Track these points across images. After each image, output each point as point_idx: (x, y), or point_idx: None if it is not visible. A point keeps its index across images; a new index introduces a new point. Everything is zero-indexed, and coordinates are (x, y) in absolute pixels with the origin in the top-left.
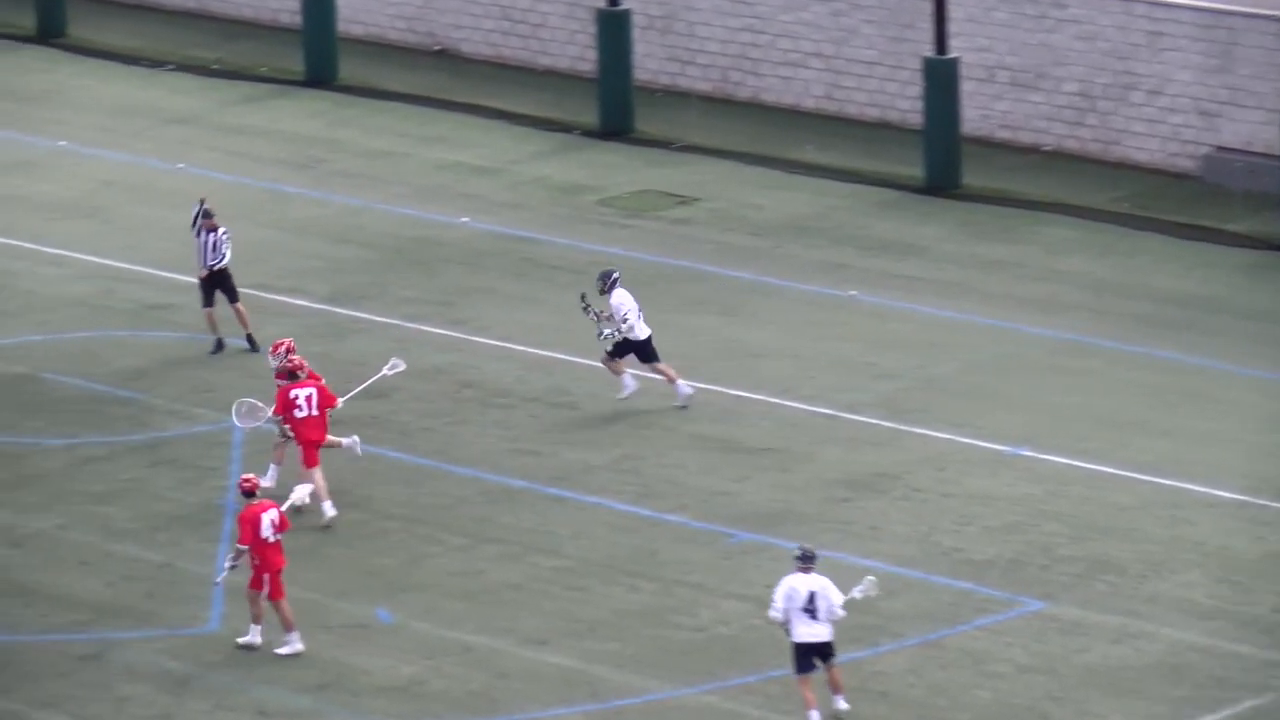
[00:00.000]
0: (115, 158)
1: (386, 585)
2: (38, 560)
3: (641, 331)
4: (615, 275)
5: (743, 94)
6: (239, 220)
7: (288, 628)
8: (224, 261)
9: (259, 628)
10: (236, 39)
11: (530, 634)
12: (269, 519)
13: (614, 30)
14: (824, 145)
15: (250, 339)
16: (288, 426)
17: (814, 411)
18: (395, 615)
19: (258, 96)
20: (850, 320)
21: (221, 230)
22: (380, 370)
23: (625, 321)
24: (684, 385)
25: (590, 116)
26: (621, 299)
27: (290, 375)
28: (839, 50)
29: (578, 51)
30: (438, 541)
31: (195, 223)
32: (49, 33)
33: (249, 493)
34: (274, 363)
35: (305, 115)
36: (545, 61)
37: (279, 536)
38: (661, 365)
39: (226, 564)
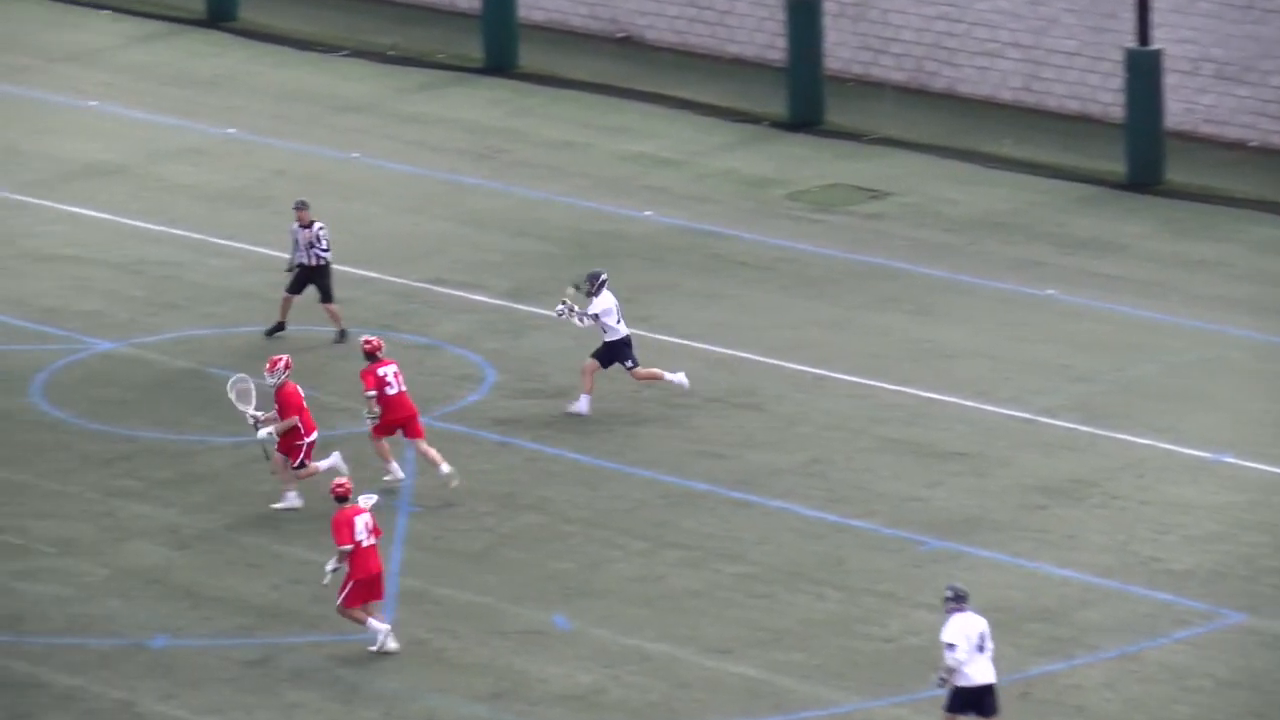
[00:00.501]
0: (286, 146)
1: (564, 590)
2: (204, 562)
3: (620, 332)
4: (603, 277)
5: (938, 85)
6: (414, 212)
7: (361, 620)
8: (322, 258)
9: (376, 622)
10: (413, 24)
11: (712, 642)
12: (363, 522)
13: (804, 18)
14: (1021, 139)
15: (342, 333)
16: (378, 407)
17: (1009, 415)
18: (573, 621)
19: (434, 84)
20: (1047, 320)
21: (318, 225)
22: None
23: (596, 319)
24: (675, 377)
25: (779, 107)
26: (606, 303)
27: (370, 357)
28: (1038, 40)
29: (766, 39)
30: (617, 546)
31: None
32: (220, 16)
33: (342, 498)
34: (271, 380)
35: (483, 104)
36: (733, 50)
37: (374, 540)
38: (642, 370)
39: (330, 567)
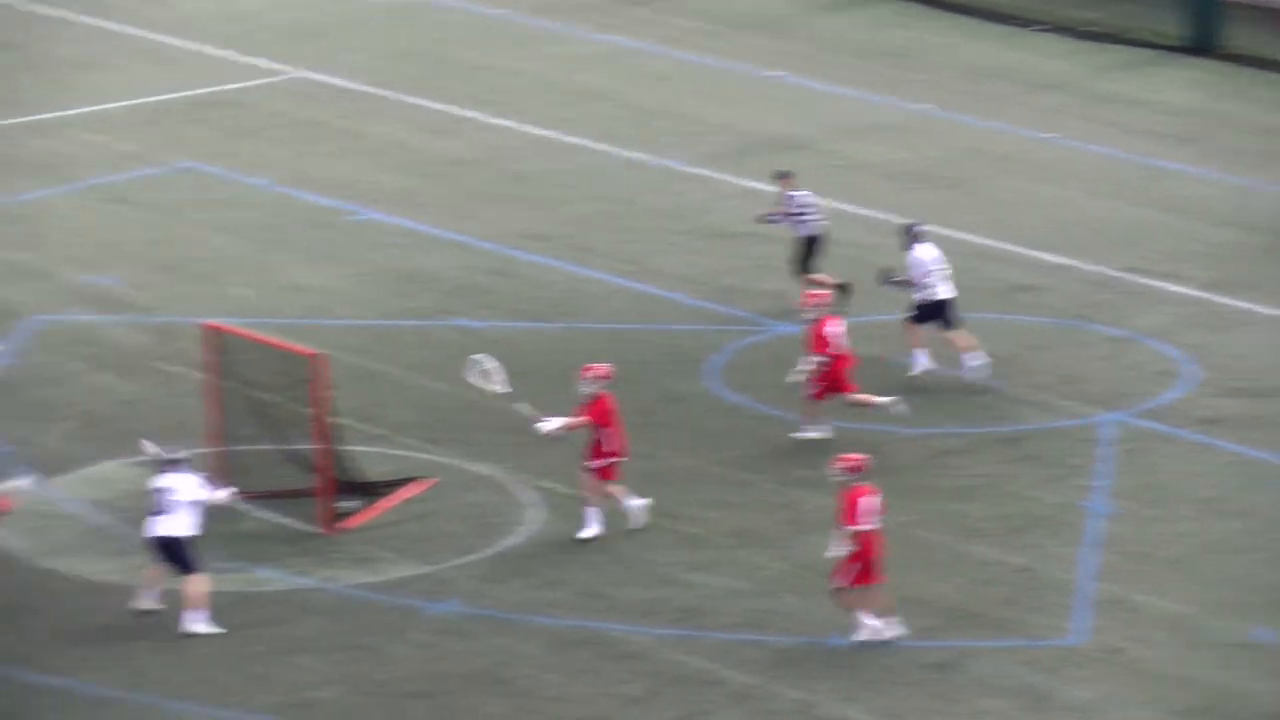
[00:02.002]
0: (979, 124)
1: (1269, 602)
2: (887, 559)
3: (944, 292)
4: (919, 228)
5: None
6: (1111, 197)
7: (861, 609)
8: (815, 227)
9: (876, 617)
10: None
11: None
12: (871, 504)
13: None
14: None
15: (842, 286)
16: (821, 362)
17: None
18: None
19: (1133, 63)
20: None
21: (803, 194)
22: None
23: (927, 278)
24: (973, 358)
25: None
26: (923, 254)
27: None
28: None
29: None
30: None
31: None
32: None
33: (855, 470)
34: (586, 389)
35: (1184, 85)
36: None
37: (878, 524)
38: (954, 334)
39: (836, 551)
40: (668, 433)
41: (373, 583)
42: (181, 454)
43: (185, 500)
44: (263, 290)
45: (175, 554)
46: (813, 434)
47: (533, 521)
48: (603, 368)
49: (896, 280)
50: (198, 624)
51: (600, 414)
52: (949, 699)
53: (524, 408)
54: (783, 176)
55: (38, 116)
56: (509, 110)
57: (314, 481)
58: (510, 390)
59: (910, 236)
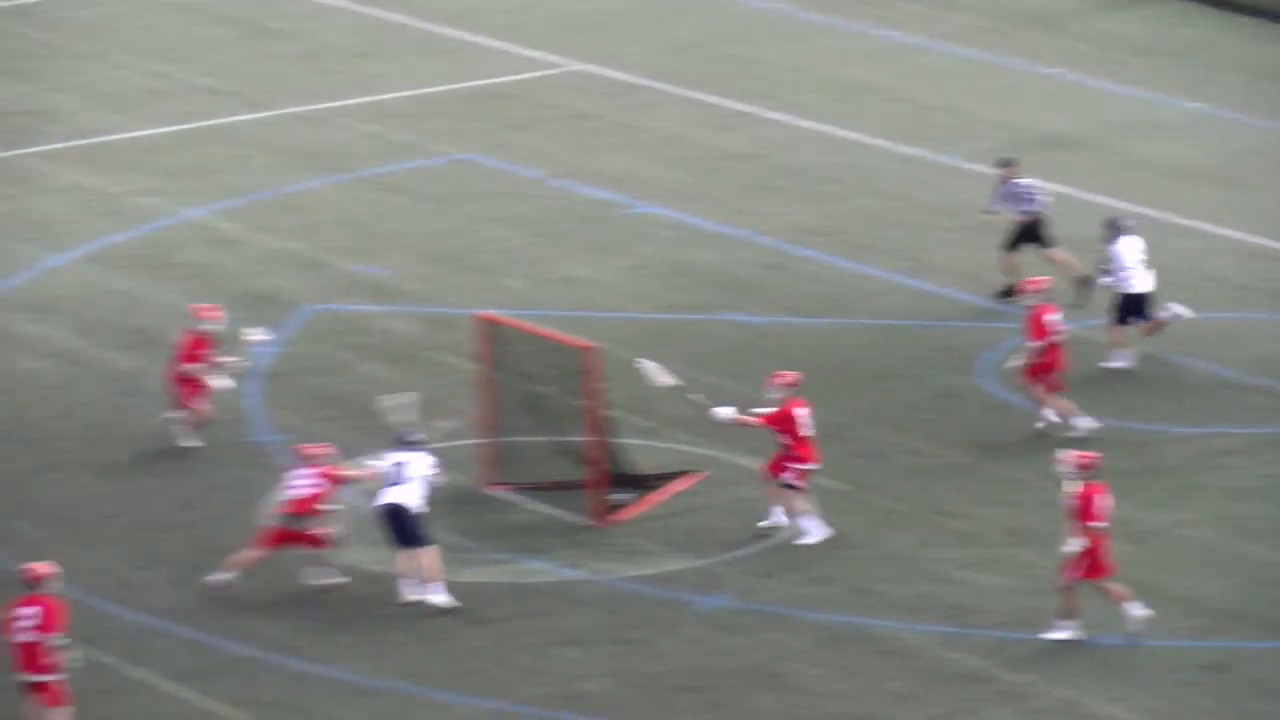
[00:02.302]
0: (1258, 124)
1: None
2: (1159, 558)
3: (1140, 284)
4: (1124, 222)
5: None
6: None
7: (1120, 599)
8: (1029, 212)
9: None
10: None
11: None
12: (1105, 501)
13: None
14: None
15: (1085, 278)
16: (1038, 349)
17: None
18: None
19: None
20: None
21: (1025, 181)
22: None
23: (1126, 272)
24: (1121, 357)
25: None
26: (1126, 248)
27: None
28: None
29: None
30: None
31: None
32: None
33: (1088, 467)
34: (773, 394)
35: None
36: None
37: (1108, 521)
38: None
39: (1071, 547)
40: (939, 429)
41: (643, 576)
42: (420, 435)
43: (418, 476)
44: (535, 282)
45: (403, 525)
46: (1076, 423)
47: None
48: (790, 375)
49: (1101, 272)
50: (438, 596)
51: (781, 420)
52: (1222, 700)
53: (698, 398)
54: (1006, 164)
55: (312, 106)
56: (785, 105)
57: (585, 474)
58: (681, 383)
59: (1114, 230)
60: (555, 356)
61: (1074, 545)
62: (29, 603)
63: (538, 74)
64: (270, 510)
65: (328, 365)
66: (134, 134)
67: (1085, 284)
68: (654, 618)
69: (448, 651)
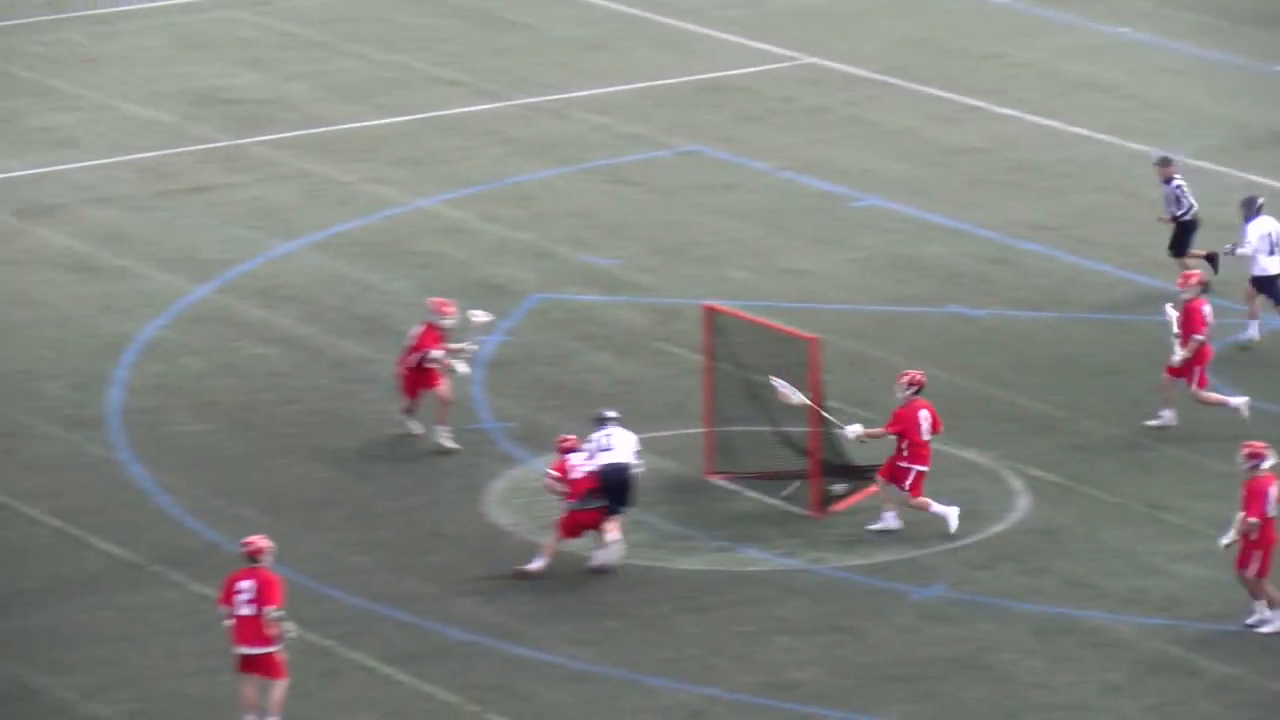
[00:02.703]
0: None
1: None
2: None
3: (1270, 265)
4: (1260, 201)
5: None
6: None
7: (1272, 604)
8: (1187, 213)
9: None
10: None
11: None
12: (1276, 492)
13: None
14: None
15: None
16: (1200, 341)
17: None
18: None
19: None
20: None
21: (1175, 181)
22: None
23: (1258, 252)
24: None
25: None
26: (1260, 227)
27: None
28: None
29: None
30: None
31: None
32: None
33: (1258, 458)
34: (900, 393)
35: None
36: None
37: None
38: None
39: (1226, 540)
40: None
41: (858, 565)
42: (616, 413)
43: (628, 445)
44: (762, 274)
45: (625, 485)
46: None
47: (1020, 509)
48: (916, 374)
49: (1229, 251)
50: (611, 554)
51: (902, 422)
52: None
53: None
54: (1165, 164)
55: (544, 97)
56: (1014, 100)
57: (804, 464)
58: (808, 400)
59: (1250, 208)
60: (777, 347)
61: (1233, 536)
62: (247, 576)
63: (768, 67)
64: (558, 498)
65: (553, 354)
66: (366, 123)
67: (1211, 260)
68: (868, 607)
69: (662, 639)
